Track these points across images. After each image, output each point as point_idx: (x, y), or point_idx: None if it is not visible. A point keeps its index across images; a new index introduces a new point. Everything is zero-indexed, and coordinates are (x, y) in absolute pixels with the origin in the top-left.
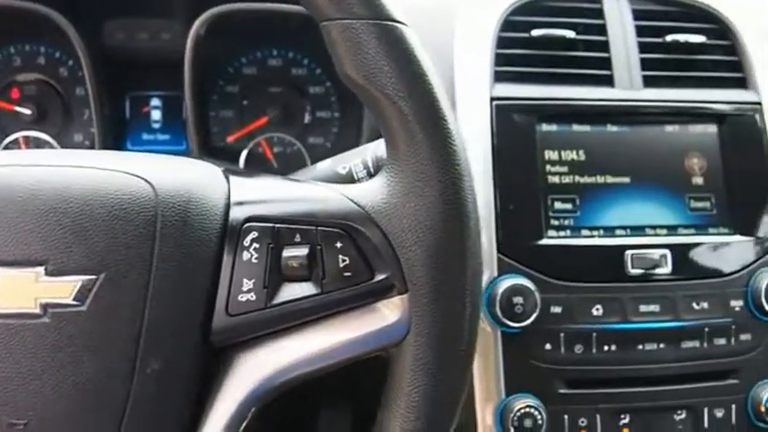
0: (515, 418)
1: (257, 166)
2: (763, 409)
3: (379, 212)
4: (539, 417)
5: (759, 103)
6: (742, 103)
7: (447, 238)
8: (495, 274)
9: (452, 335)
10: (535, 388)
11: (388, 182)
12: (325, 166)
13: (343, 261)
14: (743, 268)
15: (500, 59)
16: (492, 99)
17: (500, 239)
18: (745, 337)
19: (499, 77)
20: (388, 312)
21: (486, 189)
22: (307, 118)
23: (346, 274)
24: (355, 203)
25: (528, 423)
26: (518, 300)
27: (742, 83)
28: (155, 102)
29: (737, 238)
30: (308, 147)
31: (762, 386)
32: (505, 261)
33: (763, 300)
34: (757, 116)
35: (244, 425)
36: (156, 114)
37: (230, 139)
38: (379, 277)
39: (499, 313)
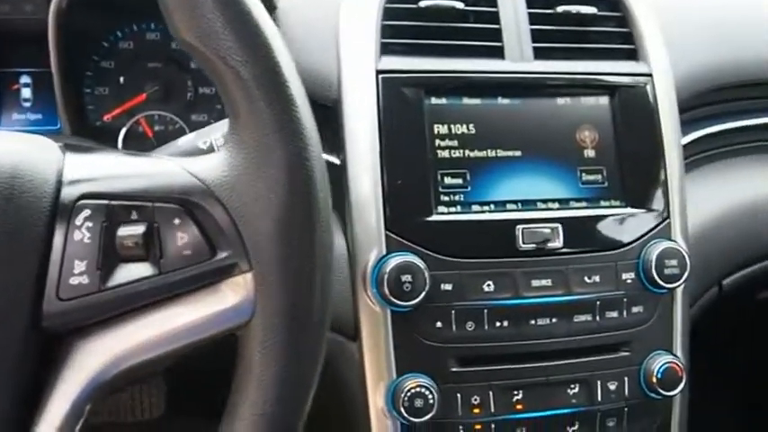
0: (406, 399)
1: (137, 145)
2: (654, 379)
3: (220, 186)
4: (430, 396)
5: (650, 75)
6: (633, 74)
7: (292, 210)
8: (384, 252)
9: (301, 313)
10: (427, 367)
11: (229, 154)
12: (186, 140)
13: (182, 239)
14: (634, 241)
15: (387, 31)
16: (378, 72)
17: (388, 216)
18: (636, 309)
19: (386, 50)
20: (232, 293)
21: (373, 165)
22: (188, 94)
23: (186, 252)
24: (196, 177)
25: (419, 403)
26: (407, 278)
27: (633, 54)
28: (24, 79)
29: (629, 210)
30: (190, 124)
31: (654, 357)
32: (394, 238)
33: (654, 272)
34: (648, 87)
35: (81, 422)
36: (26, 92)
37: (107, 118)
38: (222, 255)
39: (387, 292)
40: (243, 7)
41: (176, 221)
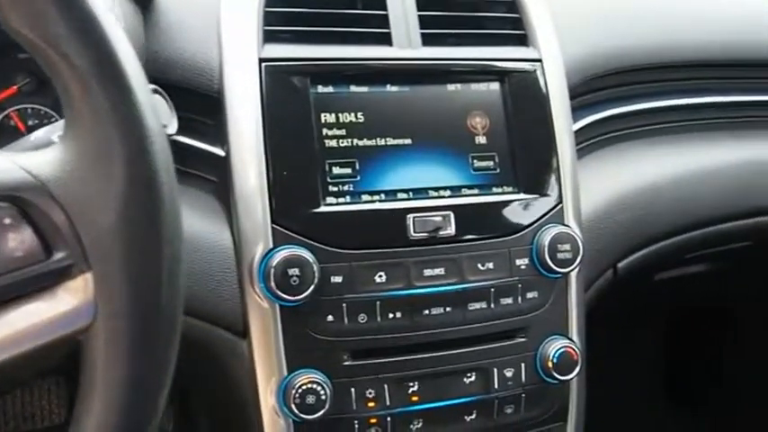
0: (297, 395)
1: (9, 140)
2: (550, 364)
3: (55, 182)
4: (322, 392)
5: (540, 60)
6: (523, 60)
7: (134, 204)
8: (271, 245)
9: (148, 312)
10: (319, 362)
11: (65, 147)
12: (40, 134)
13: (14, 240)
14: (527, 226)
15: (270, 18)
16: (261, 60)
17: (274, 209)
18: (531, 295)
19: (269, 38)
20: (69, 296)
21: (257, 156)
22: None
23: (18, 254)
24: (29, 173)
25: (311, 399)
26: (294, 271)
27: (523, 40)
28: None
29: (521, 196)
30: None
31: (549, 342)
32: (281, 231)
33: (547, 257)
34: (538, 73)
35: None
36: None
37: None
38: (58, 256)
39: (274, 286)
40: None
41: (6, 221)
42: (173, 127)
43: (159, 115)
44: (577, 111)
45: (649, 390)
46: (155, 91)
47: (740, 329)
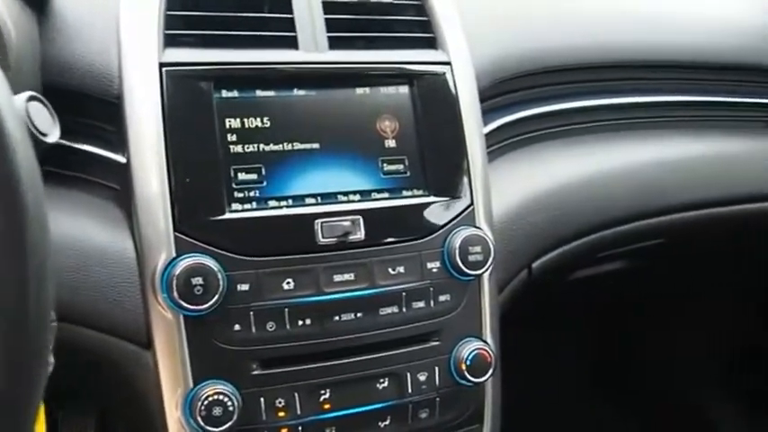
0: (203, 407)
1: None
2: (464, 367)
3: None
4: (230, 403)
5: (449, 63)
6: (432, 63)
7: None
8: (173, 254)
9: (13, 323)
10: (226, 372)
11: None
12: None
13: None
14: (438, 229)
15: (171, 22)
16: (162, 65)
17: (176, 217)
18: (443, 298)
19: (171, 42)
20: None
21: (158, 163)
22: None
23: None
24: None
25: (217, 411)
26: (197, 280)
27: (432, 43)
28: None
29: (432, 199)
30: None
31: (463, 345)
32: (184, 240)
33: (458, 259)
34: (447, 76)
35: None
36: None
37: None
38: None
39: (177, 296)
40: None
41: None
42: (54, 135)
43: (27, 122)
44: (489, 113)
45: (574, 386)
46: (33, 98)
47: (657, 325)
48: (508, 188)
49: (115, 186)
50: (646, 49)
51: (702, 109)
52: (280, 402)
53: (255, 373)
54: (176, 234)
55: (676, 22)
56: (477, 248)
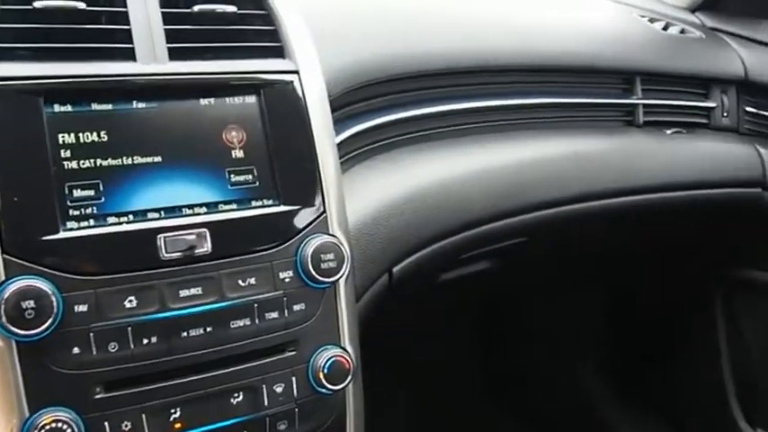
0: None
1: None
2: (322, 375)
3: None
4: (70, 430)
5: (297, 72)
6: (280, 72)
7: None
8: (2, 277)
9: None
10: (66, 398)
11: None
12: None
13: None
14: (290, 238)
15: (2, 35)
16: None
17: (4, 238)
18: (298, 307)
19: (1, 56)
20: None
21: None
22: None
23: None
24: None
25: None
26: (28, 304)
27: (279, 52)
28: None
29: (282, 208)
30: None
31: (320, 353)
32: (14, 261)
33: (311, 267)
34: (296, 84)
35: None
36: None
37: None
38: None
39: (5, 321)
40: None
41: None
42: None
43: None
44: (344, 121)
45: (457, 385)
46: None
47: (531, 321)
48: (365, 195)
49: None
50: (499, 54)
51: (560, 110)
52: (126, 425)
53: (99, 396)
54: (4, 256)
55: (529, 27)
56: (330, 255)
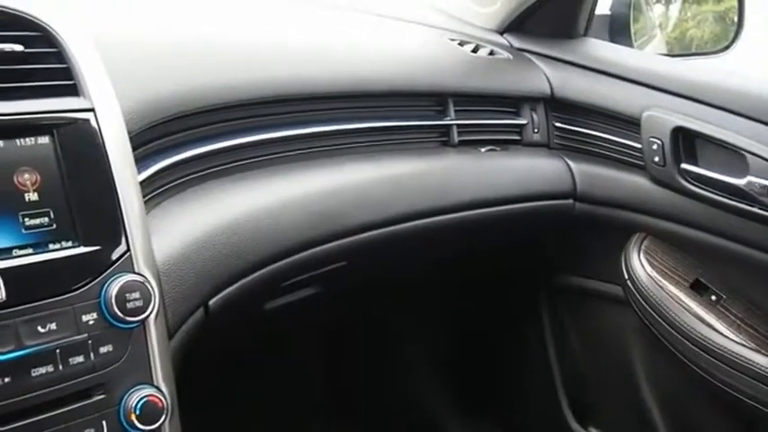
0: None
1: None
2: (134, 416)
3: None
4: None
5: (92, 110)
6: (73, 110)
7: None
8: None
9: None
10: None
11: None
12: None
13: None
14: (92, 280)
15: None
16: None
17: None
18: (105, 349)
19: None
20: None
21: None
22: None
23: None
24: None
25: None
26: None
27: (72, 90)
28: None
29: (82, 249)
30: None
31: (132, 394)
32: None
33: (116, 308)
34: (92, 122)
35: None
36: None
37: None
38: None
39: None
40: None
41: None
42: None
43: None
44: (148, 156)
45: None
46: None
47: (370, 343)
48: (174, 230)
49: None
50: (309, 81)
51: (375, 134)
52: None
53: None
54: None
55: (342, 53)
56: (136, 294)
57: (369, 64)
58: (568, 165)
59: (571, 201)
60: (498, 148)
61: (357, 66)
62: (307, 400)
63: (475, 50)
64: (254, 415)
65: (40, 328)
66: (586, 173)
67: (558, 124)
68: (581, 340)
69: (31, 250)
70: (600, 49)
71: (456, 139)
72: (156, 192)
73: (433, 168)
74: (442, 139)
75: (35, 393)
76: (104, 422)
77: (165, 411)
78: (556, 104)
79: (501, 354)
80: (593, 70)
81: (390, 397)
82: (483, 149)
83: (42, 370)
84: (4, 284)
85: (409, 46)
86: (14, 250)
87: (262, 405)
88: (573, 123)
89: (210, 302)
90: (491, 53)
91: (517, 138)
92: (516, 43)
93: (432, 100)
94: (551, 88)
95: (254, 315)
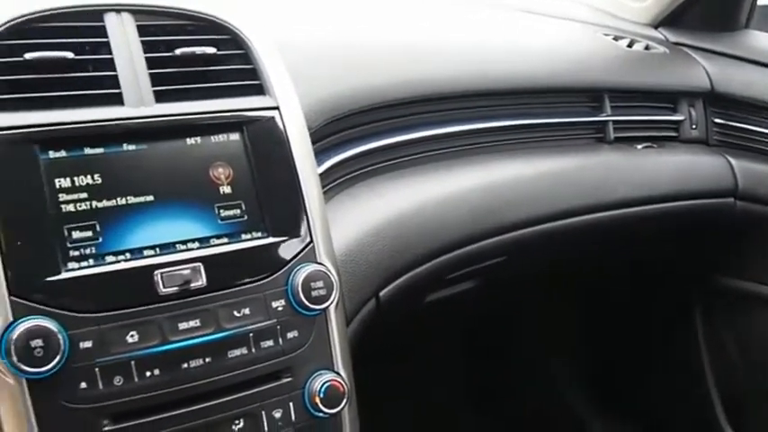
0: None
1: None
2: (318, 399)
3: None
4: None
5: (277, 108)
6: (261, 108)
7: None
8: (11, 318)
9: None
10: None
11: None
12: None
13: None
14: (280, 269)
15: None
16: None
17: (11, 281)
18: (291, 334)
19: None
20: None
21: None
22: None
23: None
24: None
25: None
26: (37, 343)
27: (259, 89)
28: None
29: (270, 240)
30: None
31: (315, 378)
32: (21, 303)
33: (302, 295)
34: (277, 120)
35: None
36: None
37: None
38: None
39: (16, 360)
40: None
41: None
42: None
43: None
44: (324, 152)
45: (452, 404)
46: None
47: (519, 337)
48: (348, 222)
49: None
50: (471, 80)
51: (532, 131)
52: None
53: (107, 429)
54: (12, 298)
55: (499, 51)
56: (320, 284)
57: (524, 61)
58: (729, 162)
59: (732, 199)
60: (655, 145)
61: (513, 63)
62: (453, 392)
63: (630, 45)
64: (403, 404)
65: (235, 312)
66: (749, 170)
67: (717, 120)
68: (738, 345)
69: (226, 239)
70: (764, 42)
71: (612, 135)
72: (328, 186)
73: (589, 165)
74: (597, 136)
75: (231, 373)
76: (291, 404)
77: (346, 396)
78: (716, 99)
79: (648, 354)
80: (757, 63)
81: (533, 393)
82: (639, 146)
83: (237, 352)
84: (205, 271)
85: (562, 42)
86: (212, 239)
87: (410, 395)
88: (734, 119)
89: (381, 293)
90: (646, 48)
91: (674, 134)
92: (672, 37)
93: (587, 96)
94: (711, 83)
95: (416, 307)
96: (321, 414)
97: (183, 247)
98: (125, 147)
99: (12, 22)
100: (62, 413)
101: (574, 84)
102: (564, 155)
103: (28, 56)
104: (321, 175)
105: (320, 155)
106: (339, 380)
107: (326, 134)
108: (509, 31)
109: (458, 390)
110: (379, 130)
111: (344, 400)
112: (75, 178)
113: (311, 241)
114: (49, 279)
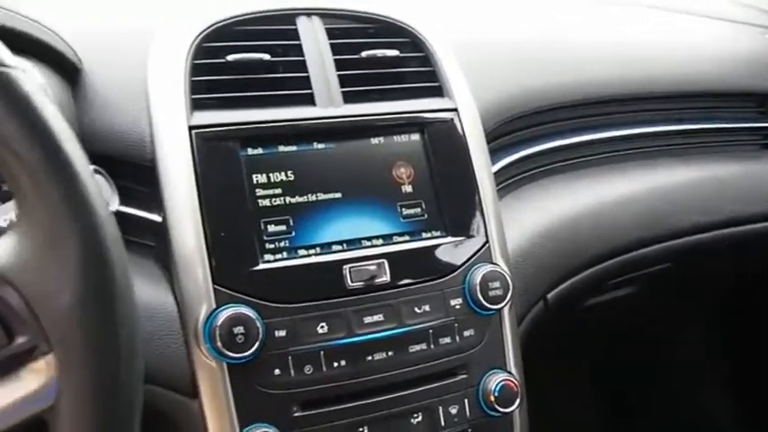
0: None
1: None
2: (493, 398)
3: (12, 269)
4: None
5: (455, 109)
6: (440, 110)
7: (89, 285)
8: (214, 305)
9: (108, 389)
10: (270, 416)
11: (19, 234)
12: None
13: None
14: (458, 267)
15: (197, 87)
16: (191, 128)
17: (215, 269)
18: (468, 332)
19: (197, 105)
20: (33, 377)
21: (194, 220)
22: None
23: None
24: None
25: None
26: (239, 329)
27: (438, 91)
28: None
29: (450, 239)
30: None
31: (490, 377)
32: (223, 291)
33: (480, 295)
34: (455, 121)
35: None
36: None
37: None
38: (20, 340)
39: (221, 346)
40: (17, 92)
41: None
42: (114, 203)
43: (103, 196)
44: (496, 153)
45: (596, 411)
46: (96, 171)
47: (671, 348)
48: (518, 224)
49: (152, 244)
50: (635, 83)
51: (695, 136)
52: None
53: (297, 414)
54: (215, 286)
55: (652, 55)
56: (496, 284)
57: (685, 63)
58: None
59: None
60: None
61: (674, 66)
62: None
63: None
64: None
65: (416, 308)
66: None
67: None
68: None
69: (407, 237)
70: None
71: None
72: (499, 186)
73: (756, 172)
74: (763, 142)
75: (412, 368)
76: (466, 400)
77: (519, 396)
78: None
79: None
80: None
81: (670, 400)
82: None
83: (418, 347)
84: (389, 267)
85: (720, 43)
86: (395, 237)
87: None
88: None
89: (549, 295)
90: None
91: None
92: None
93: (752, 100)
94: None
95: (577, 310)
96: (495, 413)
97: (369, 243)
98: (315, 145)
99: (216, 25)
100: (258, 397)
101: (737, 87)
102: (730, 161)
103: (230, 57)
104: (494, 175)
105: (492, 155)
106: (513, 379)
107: (499, 135)
108: (664, 32)
109: (605, 398)
110: (547, 132)
111: (518, 401)
112: (271, 174)
113: (487, 241)
114: (248, 270)
